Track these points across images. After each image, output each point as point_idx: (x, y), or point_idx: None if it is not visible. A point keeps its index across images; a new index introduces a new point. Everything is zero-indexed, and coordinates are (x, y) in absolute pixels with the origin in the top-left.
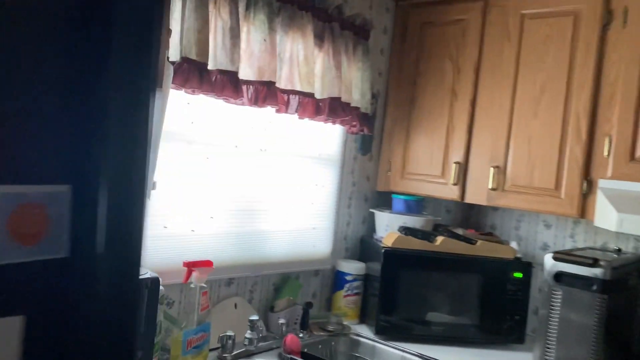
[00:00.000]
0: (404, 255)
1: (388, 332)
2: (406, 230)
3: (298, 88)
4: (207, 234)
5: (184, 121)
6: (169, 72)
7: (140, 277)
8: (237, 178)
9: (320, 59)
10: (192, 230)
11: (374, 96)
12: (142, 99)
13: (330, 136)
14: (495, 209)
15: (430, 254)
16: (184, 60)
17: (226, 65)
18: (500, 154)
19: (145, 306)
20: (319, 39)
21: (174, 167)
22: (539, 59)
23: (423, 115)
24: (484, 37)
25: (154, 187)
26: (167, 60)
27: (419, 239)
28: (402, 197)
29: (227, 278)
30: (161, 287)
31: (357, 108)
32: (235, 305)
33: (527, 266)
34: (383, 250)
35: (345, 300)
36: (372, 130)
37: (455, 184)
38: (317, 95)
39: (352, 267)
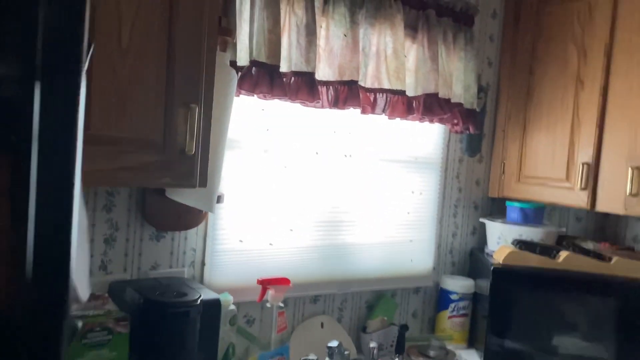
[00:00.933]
0: (518, 274)
1: (499, 359)
2: (522, 244)
3: (386, 86)
4: (287, 248)
5: (258, 128)
6: (230, 76)
7: (193, 300)
8: (319, 187)
9: (413, 52)
10: (270, 244)
11: (482, 89)
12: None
13: (428, 137)
14: (638, 218)
15: (551, 272)
16: (252, 63)
17: (301, 66)
18: None
19: (198, 330)
20: (412, 29)
21: (250, 177)
22: None
23: (542, 109)
24: (617, 11)
25: (220, 200)
26: (231, 64)
27: (537, 255)
28: (518, 204)
29: (311, 295)
30: (232, 307)
31: (459, 104)
32: (322, 325)
33: None
34: (492, 268)
35: (451, 322)
36: (481, 128)
37: (583, 189)
38: (410, 92)
39: (458, 285)
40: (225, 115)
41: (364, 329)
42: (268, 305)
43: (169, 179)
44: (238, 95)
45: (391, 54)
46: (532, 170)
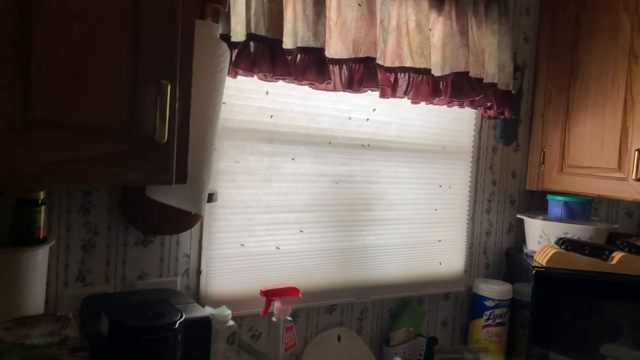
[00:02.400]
0: (564, 279)
1: None
2: (567, 244)
3: (408, 64)
4: (297, 252)
5: (261, 115)
6: (220, 51)
7: (170, 322)
8: (333, 182)
9: (439, 25)
10: (277, 248)
11: (518, 68)
12: None
13: (458, 123)
14: None
15: (604, 276)
16: (250, 37)
17: (308, 42)
18: None
19: (184, 354)
20: (437, 0)
21: (252, 171)
22: None
23: (589, 89)
24: None
25: (213, 199)
26: (224, 39)
27: (586, 256)
28: (561, 198)
29: (326, 304)
30: (231, 323)
31: (493, 84)
32: (339, 338)
33: None
34: (534, 272)
35: (486, 332)
36: (518, 113)
37: (638, 180)
38: (436, 72)
39: (493, 290)
40: (214, 97)
41: (387, 342)
42: (274, 319)
43: (136, 174)
44: (235, 76)
45: (414, 27)
46: (576, 159)
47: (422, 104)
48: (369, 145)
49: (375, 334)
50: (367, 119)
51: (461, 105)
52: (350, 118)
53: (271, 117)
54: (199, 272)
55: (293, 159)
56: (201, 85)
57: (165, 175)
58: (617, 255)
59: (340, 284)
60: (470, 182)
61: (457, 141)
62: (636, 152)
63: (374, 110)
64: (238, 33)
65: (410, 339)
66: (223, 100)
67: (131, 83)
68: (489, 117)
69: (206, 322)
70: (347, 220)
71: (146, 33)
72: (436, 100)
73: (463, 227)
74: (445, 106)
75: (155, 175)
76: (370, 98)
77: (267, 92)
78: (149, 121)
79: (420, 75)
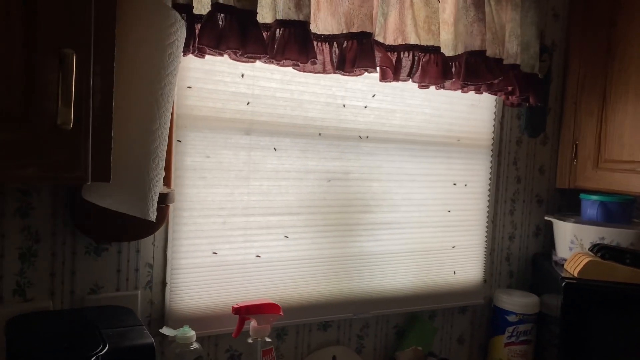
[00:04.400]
0: (600, 291)
1: None
2: (604, 251)
3: (413, 41)
4: (281, 261)
5: (236, 102)
6: (168, 21)
7: (90, 355)
8: (324, 179)
9: None
10: (257, 256)
11: (545, 49)
12: None
13: (475, 111)
14: None
15: None
16: (216, 7)
17: (289, 14)
18: None
19: None
20: None
21: (226, 167)
22: None
23: (629, 70)
24: None
25: (168, 200)
26: (183, 10)
27: (627, 266)
28: (596, 197)
29: (319, 321)
30: (195, 345)
31: (515, 66)
32: (334, 359)
33: None
34: (564, 284)
35: (508, 350)
36: (546, 100)
37: None
38: (447, 51)
39: (517, 303)
40: (163, 76)
41: None
42: (250, 340)
43: (34, 169)
44: (202, 56)
45: None
46: (615, 153)
47: (432, 88)
48: (367, 137)
49: (378, 354)
50: (365, 107)
51: (478, 90)
52: (344, 105)
53: (248, 104)
54: (164, 284)
55: (275, 151)
56: (143, 62)
57: (77, 171)
58: None
59: (335, 297)
60: (490, 179)
61: (475, 132)
62: None
63: (373, 96)
64: (204, 4)
65: (419, 359)
66: (188, 84)
67: (25, 53)
68: (512, 105)
69: (148, 351)
70: (341, 224)
71: None
72: (447, 83)
73: (482, 231)
74: (459, 91)
75: (61, 171)
76: (368, 82)
77: (242, 75)
78: (50, 103)
79: (428, 55)
